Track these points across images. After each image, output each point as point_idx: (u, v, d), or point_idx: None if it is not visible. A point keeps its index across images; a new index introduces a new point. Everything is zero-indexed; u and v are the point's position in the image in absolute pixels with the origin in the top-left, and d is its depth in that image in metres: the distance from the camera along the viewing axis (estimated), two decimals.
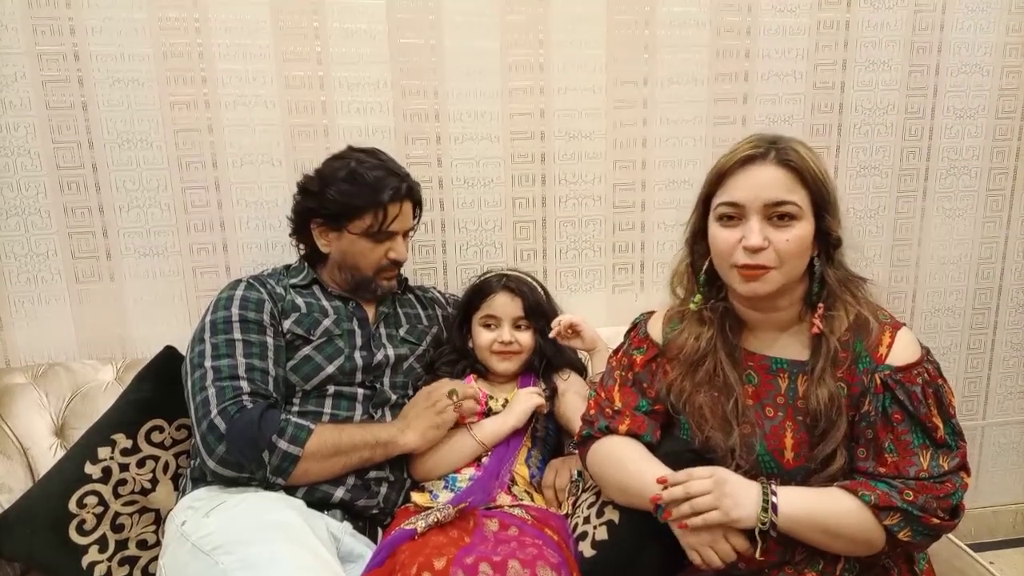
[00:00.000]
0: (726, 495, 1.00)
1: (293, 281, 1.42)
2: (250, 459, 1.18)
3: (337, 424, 1.30)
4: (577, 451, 1.25)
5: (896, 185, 1.88)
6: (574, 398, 1.40)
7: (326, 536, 1.17)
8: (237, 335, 1.28)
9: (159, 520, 1.33)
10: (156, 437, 1.36)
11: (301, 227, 1.45)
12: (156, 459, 1.35)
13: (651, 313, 1.25)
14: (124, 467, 1.32)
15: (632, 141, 1.75)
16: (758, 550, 1.00)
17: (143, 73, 1.51)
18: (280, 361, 1.31)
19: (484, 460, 1.36)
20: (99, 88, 1.50)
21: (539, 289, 1.51)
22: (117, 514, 1.29)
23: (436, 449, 1.35)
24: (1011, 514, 2.14)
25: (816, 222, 1.04)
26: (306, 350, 1.34)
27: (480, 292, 1.48)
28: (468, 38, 1.64)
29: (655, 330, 1.20)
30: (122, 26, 1.49)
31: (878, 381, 1.02)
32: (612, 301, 1.82)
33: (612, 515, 1.14)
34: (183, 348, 1.37)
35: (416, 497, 1.34)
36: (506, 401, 1.41)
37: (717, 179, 1.07)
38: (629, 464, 1.10)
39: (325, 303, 1.41)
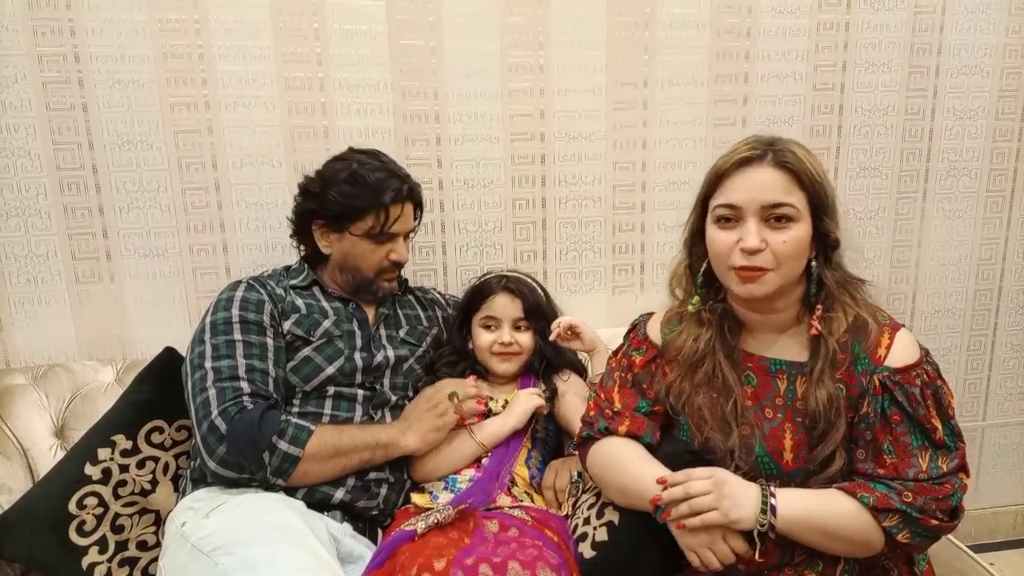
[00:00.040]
0: (725, 496, 1.00)
1: (293, 282, 1.42)
2: (250, 460, 1.18)
3: (337, 425, 1.30)
4: (577, 452, 1.25)
5: (896, 186, 1.88)
6: (574, 399, 1.40)
7: (326, 537, 1.17)
8: (237, 336, 1.28)
9: (159, 521, 1.33)
10: (156, 438, 1.36)
11: (302, 228, 1.45)
12: (156, 460, 1.35)
13: (650, 314, 1.25)
14: (124, 468, 1.32)
15: (632, 142, 1.75)
16: (757, 552, 1.00)
17: (143, 74, 1.51)
18: (280, 362, 1.31)
19: (484, 461, 1.36)
20: (99, 89, 1.51)
21: (539, 290, 1.51)
22: (117, 515, 1.29)
23: (436, 450, 1.35)
24: (1011, 515, 2.14)
25: (814, 223, 1.04)
26: (306, 351, 1.34)
27: (480, 293, 1.48)
28: (468, 39, 1.64)
29: (654, 331, 1.20)
30: (122, 27, 1.49)
31: (877, 382, 1.02)
32: (612, 302, 1.82)
33: (612, 516, 1.14)
34: (183, 349, 1.37)
35: (416, 498, 1.34)
36: (506, 402, 1.41)
37: (714, 181, 1.07)
38: (629, 465, 1.10)
39: (325, 304, 1.42)
